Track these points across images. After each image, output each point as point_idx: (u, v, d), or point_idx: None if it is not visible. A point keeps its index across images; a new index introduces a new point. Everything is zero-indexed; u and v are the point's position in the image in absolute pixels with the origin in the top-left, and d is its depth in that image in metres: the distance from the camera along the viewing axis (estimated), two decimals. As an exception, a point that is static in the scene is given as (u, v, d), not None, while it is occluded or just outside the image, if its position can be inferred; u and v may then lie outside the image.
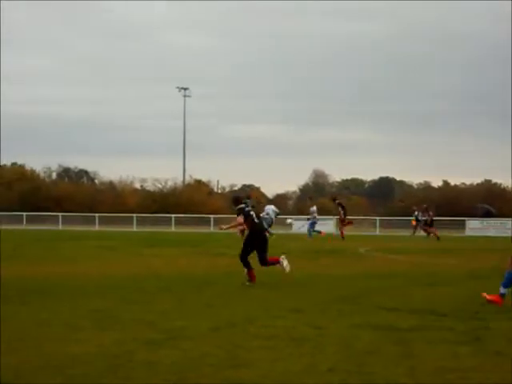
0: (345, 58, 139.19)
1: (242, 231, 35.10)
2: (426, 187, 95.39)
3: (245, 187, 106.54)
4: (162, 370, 7.29)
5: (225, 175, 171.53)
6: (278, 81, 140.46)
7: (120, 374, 7.10)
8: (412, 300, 13.04)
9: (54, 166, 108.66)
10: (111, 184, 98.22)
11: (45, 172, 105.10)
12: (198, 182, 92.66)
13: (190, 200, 79.31)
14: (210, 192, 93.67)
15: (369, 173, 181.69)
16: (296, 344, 8.61)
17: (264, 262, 16.02)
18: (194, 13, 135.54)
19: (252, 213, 16.21)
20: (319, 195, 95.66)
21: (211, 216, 64.44)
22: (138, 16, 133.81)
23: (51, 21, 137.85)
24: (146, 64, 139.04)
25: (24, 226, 63.99)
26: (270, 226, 40.15)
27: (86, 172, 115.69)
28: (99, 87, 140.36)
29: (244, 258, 15.96)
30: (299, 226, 57.51)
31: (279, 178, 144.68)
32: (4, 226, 55.86)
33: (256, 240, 16.00)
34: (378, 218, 62.96)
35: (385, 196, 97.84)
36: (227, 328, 9.68)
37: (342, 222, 43.55)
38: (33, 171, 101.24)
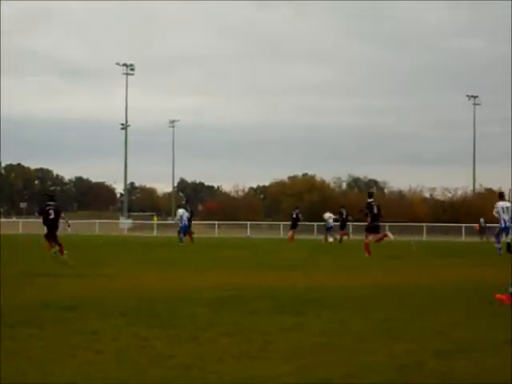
0: None
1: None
2: None
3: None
4: (454, 379, 7.27)
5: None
6: None
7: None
8: None
9: (344, 177, 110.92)
10: (400, 193, 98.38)
11: (335, 182, 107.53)
12: (489, 191, 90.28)
13: (480, 209, 77.53)
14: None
15: None
16: None
17: None
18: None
19: None
20: None
21: None
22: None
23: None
24: (436, 72, 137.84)
25: (315, 236, 65.74)
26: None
27: (375, 182, 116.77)
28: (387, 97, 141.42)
29: None
30: None
31: None
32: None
33: None
34: None
35: None
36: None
37: None
38: (323, 181, 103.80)
